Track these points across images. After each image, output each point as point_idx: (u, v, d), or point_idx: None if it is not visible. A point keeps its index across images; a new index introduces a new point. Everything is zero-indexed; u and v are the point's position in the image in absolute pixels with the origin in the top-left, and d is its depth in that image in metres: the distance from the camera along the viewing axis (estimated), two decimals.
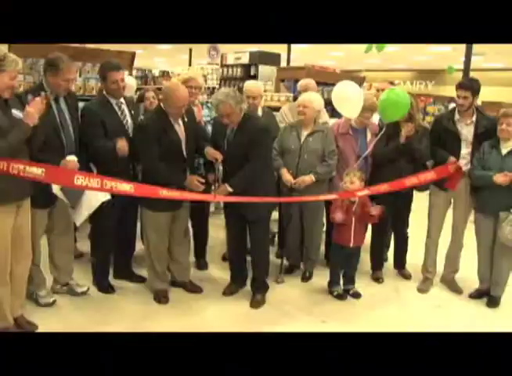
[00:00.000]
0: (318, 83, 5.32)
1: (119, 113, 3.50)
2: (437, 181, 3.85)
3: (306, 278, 4.19)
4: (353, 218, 3.70)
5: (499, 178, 3.50)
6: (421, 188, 4.09)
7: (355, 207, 3.71)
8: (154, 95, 4.15)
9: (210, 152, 3.47)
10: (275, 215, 4.57)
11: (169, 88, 3.38)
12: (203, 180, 3.39)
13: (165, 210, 3.48)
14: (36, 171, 2.64)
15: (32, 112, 2.75)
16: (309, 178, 3.83)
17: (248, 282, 3.83)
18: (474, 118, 3.83)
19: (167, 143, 3.32)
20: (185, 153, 3.44)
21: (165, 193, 3.11)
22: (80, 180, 2.80)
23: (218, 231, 4.56)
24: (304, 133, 3.94)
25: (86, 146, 3.37)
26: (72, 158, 3.16)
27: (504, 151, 3.61)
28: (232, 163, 3.44)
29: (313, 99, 3.96)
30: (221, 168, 3.58)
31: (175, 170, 3.39)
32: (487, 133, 3.75)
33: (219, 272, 4.20)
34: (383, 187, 3.74)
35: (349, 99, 3.97)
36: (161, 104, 3.40)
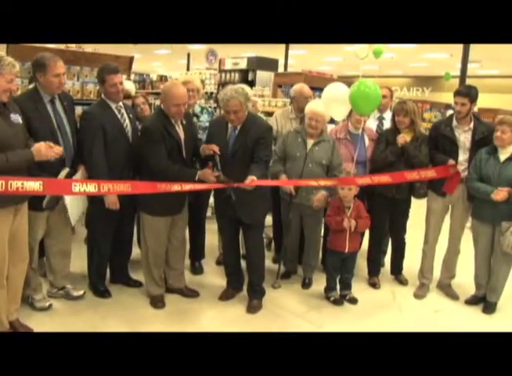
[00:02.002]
0: (315, 89, 5.35)
1: (119, 116, 3.49)
2: (436, 179, 3.85)
3: (306, 285, 4.17)
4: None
5: (498, 196, 3.50)
6: (419, 195, 4.10)
7: (350, 212, 3.72)
8: (144, 100, 4.12)
9: (207, 146, 3.42)
10: (270, 220, 4.57)
11: (166, 87, 3.37)
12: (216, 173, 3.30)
13: (165, 215, 3.47)
14: (34, 185, 2.64)
15: (42, 152, 2.76)
16: (322, 196, 3.83)
17: (244, 287, 3.83)
18: (471, 125, 3.85)
19: (170, 144, 3.31)
20: (184, 154, 3.42)
21: (163, 187, 3.09)
22: (77, 187, 2.80)
23: (212, 236, 4.56)
24: (310, 141, 3.90)
25: (83, 150, 3.35)
26: (65, 173, 3.16)
27: (502, 158, 3.61)
28: (233, 162, 3.38)
29: (324, 111, 3.89)
30: (218, 159, 3.41)
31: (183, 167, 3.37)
32: (484, 140, 3.76)
33: (215, 277, 4.19)
34: (384, 178, 3.77)
35: (336, 99, 3.95)
36: (161, 106, 3.38)
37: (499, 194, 3.50)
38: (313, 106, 3.94)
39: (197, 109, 4.19)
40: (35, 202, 3.06)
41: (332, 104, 3.96)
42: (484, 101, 6.36)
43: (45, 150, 2.76)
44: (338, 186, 3.77)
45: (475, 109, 4.22)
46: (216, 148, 3.37)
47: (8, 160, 2.63)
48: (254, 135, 3.37)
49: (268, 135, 3.50)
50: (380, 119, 4.61)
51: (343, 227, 3.67)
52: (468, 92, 3.78)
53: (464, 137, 3.86)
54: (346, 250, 3.75)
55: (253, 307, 3.63)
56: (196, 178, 3.30)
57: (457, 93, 3.83)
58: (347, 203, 3.73)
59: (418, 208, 4.32)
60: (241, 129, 3.42)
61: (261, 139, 3.38)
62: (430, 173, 3.84)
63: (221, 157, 3.37)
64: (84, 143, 3.35)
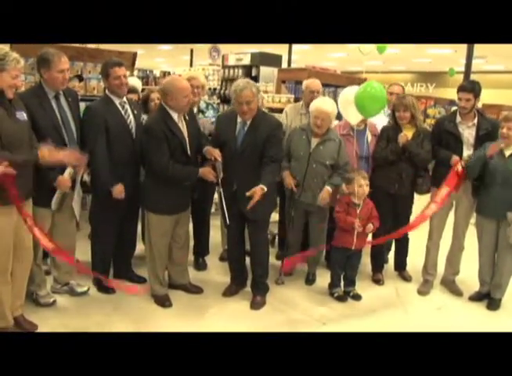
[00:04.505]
0: None
1: (122, 112, 3.48)
2: (453, 190, 3.80)
3: (310, 281, 4.17)
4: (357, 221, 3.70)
5: (491, 151, 3.53)
6: (422, 191, 4.09)
7: (359, 210, 3.71)
8: (159, 95, 4.13)
9: (210, 150, 3.40)
10: (275, 216, 4.57)
11: (170, 82, 3.33)
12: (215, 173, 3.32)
13: (170, 213, 3.45)
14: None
15: (46, 156, 2.77)
16: (327, 193, 3.78)
17: (248, 283, 3.83)
18: (475, 121, 3.84)
19: (173, 142, 3.29)
20: (189, 151, 3.39)
21: None
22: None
23: (216, 232, 4.57)
24: (315, 141, 3.84)
25: (85, 146, 3.34)
26: (67, 173, 3.16)
27: (507, 153, 3.60)
28: (242, 159, 3.37)
29: (330, 109, 3.79)
30: (221, 166, 3.40)
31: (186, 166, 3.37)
32: (488, 135, 3.76)
33: (218, 273, 4.19)
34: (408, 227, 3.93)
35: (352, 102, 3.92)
36: (162, 103, 3.35)
37: (492, 149, 3.54)
38: (319, 103, 3.83)
39: (202, 105, 4.18)
40: (41, 198, 3.07)
41: (348, 107, 3.93)
42: (489, 97, 6.34)
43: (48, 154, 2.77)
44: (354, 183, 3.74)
45: (479, 105, 4.20)
46: (218, 155, 3.34)
47: (13, 160, 2.62)
48: (264, 133, 3.34)
49: (279, 132, 3.47)
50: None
51: (353, 228, 3.65)
52: (472, 88, 3.77)
53: (468, 133, 3.85)
54: (353, 247, 3.75)
55: (256, 303, 3.63)
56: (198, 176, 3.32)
57: (461, 89, 3.82)
58: (357, 200, 3.72)
59: (422, 204, 4.30)
60: (250, 126, 3.39)
61: (272, 136, 3.35)
62: (445, 191, 3.78)
63: (224, 158, 3.36)
64: (87, 140, 3.34)
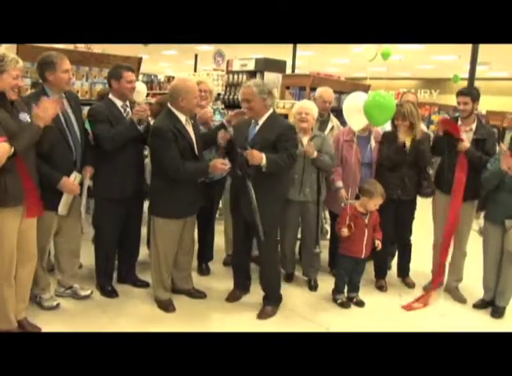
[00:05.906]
0: None
1: (124, 115, 3.52)
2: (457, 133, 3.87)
3: (313, 287, 4.16)
4: (366, 230, 3.72)
5: (504, 165, 3.49)
6: (426, 194, 4.11)
7: (367, 219, 3.73)
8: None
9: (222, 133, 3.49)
10: None
11: (178, 84, 3.35)
12: (227, 162, 3.34)
13: (178, 217, 3.45)
14: None
15: (40, 113, 2.76)
16: (315, 154, 3.82)
17: (252, 288, 3.83)
18: (473, 126, 3.91)
19: (182, 144, 3.30)
20: (196, 152, 3.41)
21: None
22: None
23: (219, 237, 4.56)
24: (305, 138, 3.94)
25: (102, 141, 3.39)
26: (73, 177, 3.19)
27: None
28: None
29: (313, 106, 4.02)
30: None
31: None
32: (483, 142, 3.84)
33: (222, 279, 4.18)
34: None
35: (357, 109, 3.96)
36: (169, 106, 3.36)
37: (505, 163, 3.47)
38: (300, 103, 4.17)
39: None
40: (48, 201, 3.08)
41: (351, 114, 3.98)
42: (492, 103, 6.36)
43: (40, 111, 2.76)
44: (347, 192, 3.89)
45: (483, 111, 4.25)
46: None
47: (20, 146, 2.64)
48: (275, 132, 3.38)
49: (290, 132, 3.48)
50: None
51: (344, 235, 3.68)
52: (469, 91, 3.91)
53: (465, 137, 3.90)
54: (363, 255, 3.76)
55: (264, 313, 3.56)
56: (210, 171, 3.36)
57: (459, 93, 3.95)
58: (364, 210, 3.76)
59: (424, 210, 4.31)
60: (262, 126, 3.45)
61: (283, 135, 3.39)
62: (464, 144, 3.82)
63: (233, 157, 3.41)
64: (100, 133, 3.37)
